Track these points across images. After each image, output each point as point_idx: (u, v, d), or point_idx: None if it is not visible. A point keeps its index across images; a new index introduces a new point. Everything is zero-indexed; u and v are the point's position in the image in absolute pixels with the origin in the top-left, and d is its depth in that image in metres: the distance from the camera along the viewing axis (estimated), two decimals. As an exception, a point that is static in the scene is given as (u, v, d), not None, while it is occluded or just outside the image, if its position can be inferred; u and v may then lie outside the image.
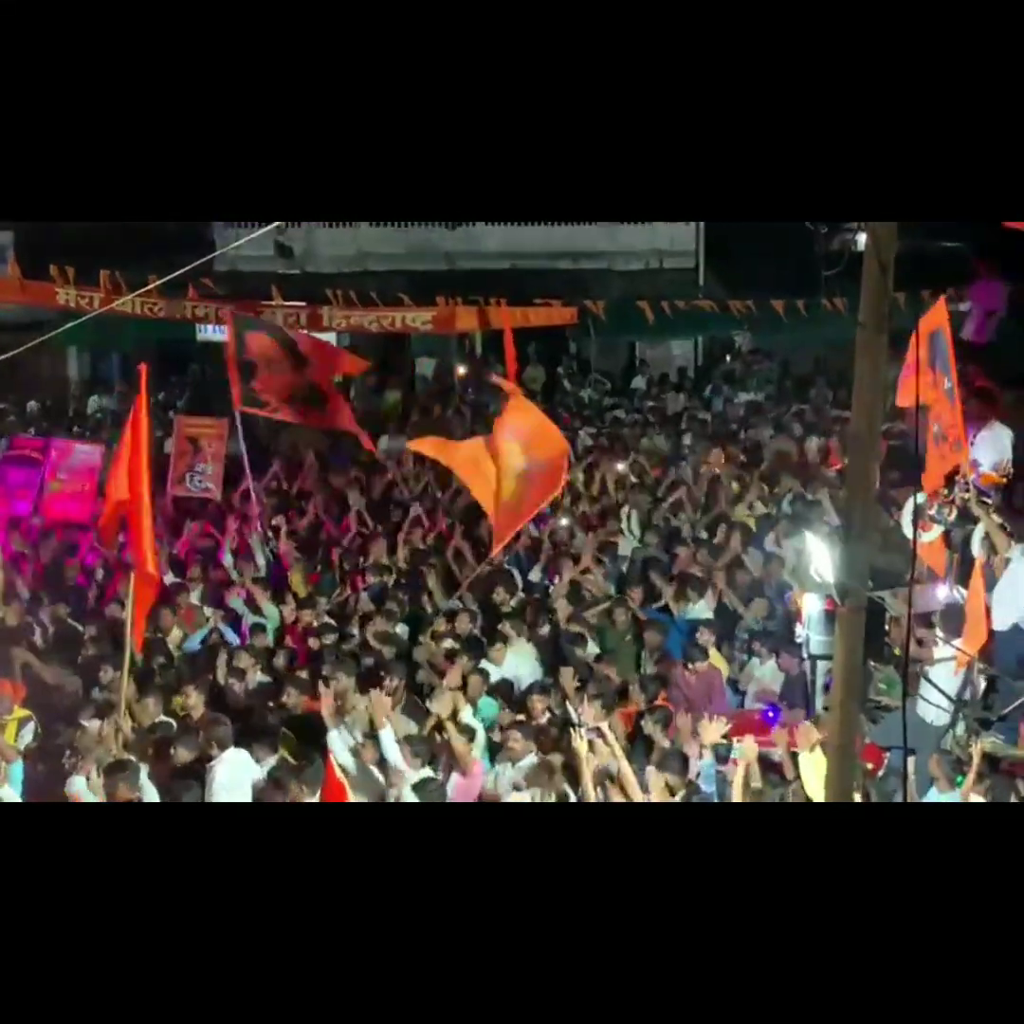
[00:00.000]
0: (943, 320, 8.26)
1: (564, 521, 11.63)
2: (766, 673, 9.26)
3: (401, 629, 9.66)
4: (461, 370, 21.04)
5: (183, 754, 7.28)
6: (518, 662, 9.04)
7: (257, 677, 8.82)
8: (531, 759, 7.26)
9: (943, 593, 8.98)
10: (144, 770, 6.98)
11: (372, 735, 7.38)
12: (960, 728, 8.16)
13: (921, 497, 8.77)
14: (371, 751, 7.33)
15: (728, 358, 22.16)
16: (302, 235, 22.00)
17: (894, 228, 4.60)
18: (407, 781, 6.91)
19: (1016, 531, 8.41)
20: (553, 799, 6.77)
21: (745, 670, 9.51)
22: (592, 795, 6.54)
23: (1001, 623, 8.13)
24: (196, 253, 11.15)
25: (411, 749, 7.23)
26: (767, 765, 7.44)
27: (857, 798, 6.83)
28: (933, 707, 8.09)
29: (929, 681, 8.12)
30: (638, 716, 8.20)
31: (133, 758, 7.16)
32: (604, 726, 7.52)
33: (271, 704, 8.39)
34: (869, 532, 4.89)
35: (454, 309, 17.50)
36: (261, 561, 11.15)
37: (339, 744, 7.38)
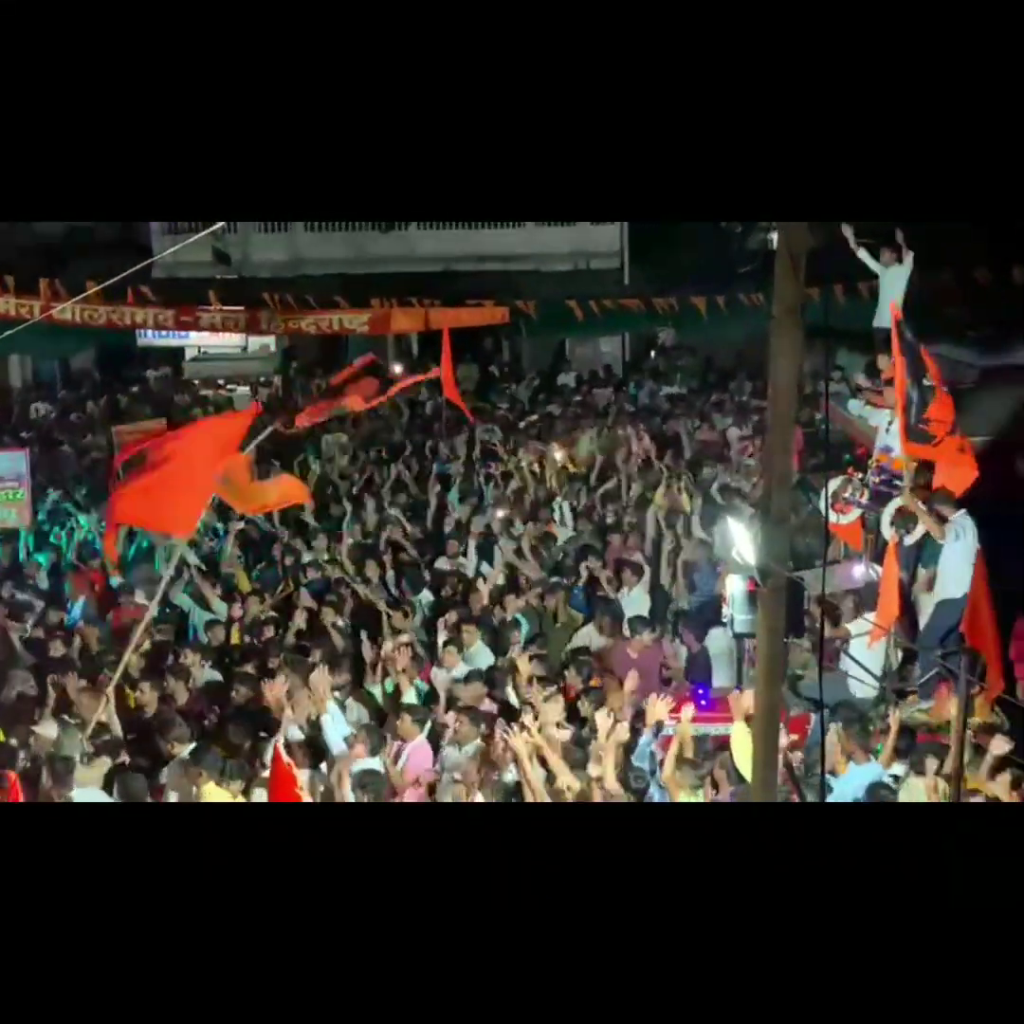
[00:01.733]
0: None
1: (501, 513, 11.64)
2: (700, 654, 9.33)
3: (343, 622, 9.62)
4: (397, 369, 20.94)
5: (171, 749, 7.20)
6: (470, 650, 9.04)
7: (206, 673, 8.73)
8: (477, 743, 7.28)
9: (860, 571, 9.15)
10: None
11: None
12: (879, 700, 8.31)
13: (836, 482, 8.92)
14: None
15: (653, 353, 22.34)
16: (239, 241, 21.74)
17: (804, 226, 4.66)
18: (352, 768, 6.87)
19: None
20: (498, 781, 6.77)
21: (677, 651, 9.58)
22: (531, 772, 6.53)
23: (941, 597, 8.32)
24: (134, 260, 10.98)
25: (363, 737, 7.21)
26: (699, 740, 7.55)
27: (780, 767, 6.96)
28: (856, 681, 8.24)
29: (849, 656, 8.25)
30: (576, 696, 8.23)
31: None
32: (548, 708, 7.56)
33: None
34: (786, 516, 4.96)
35: (389, 311, 17.47)
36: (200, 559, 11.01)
37: (332, 729, 7.37)
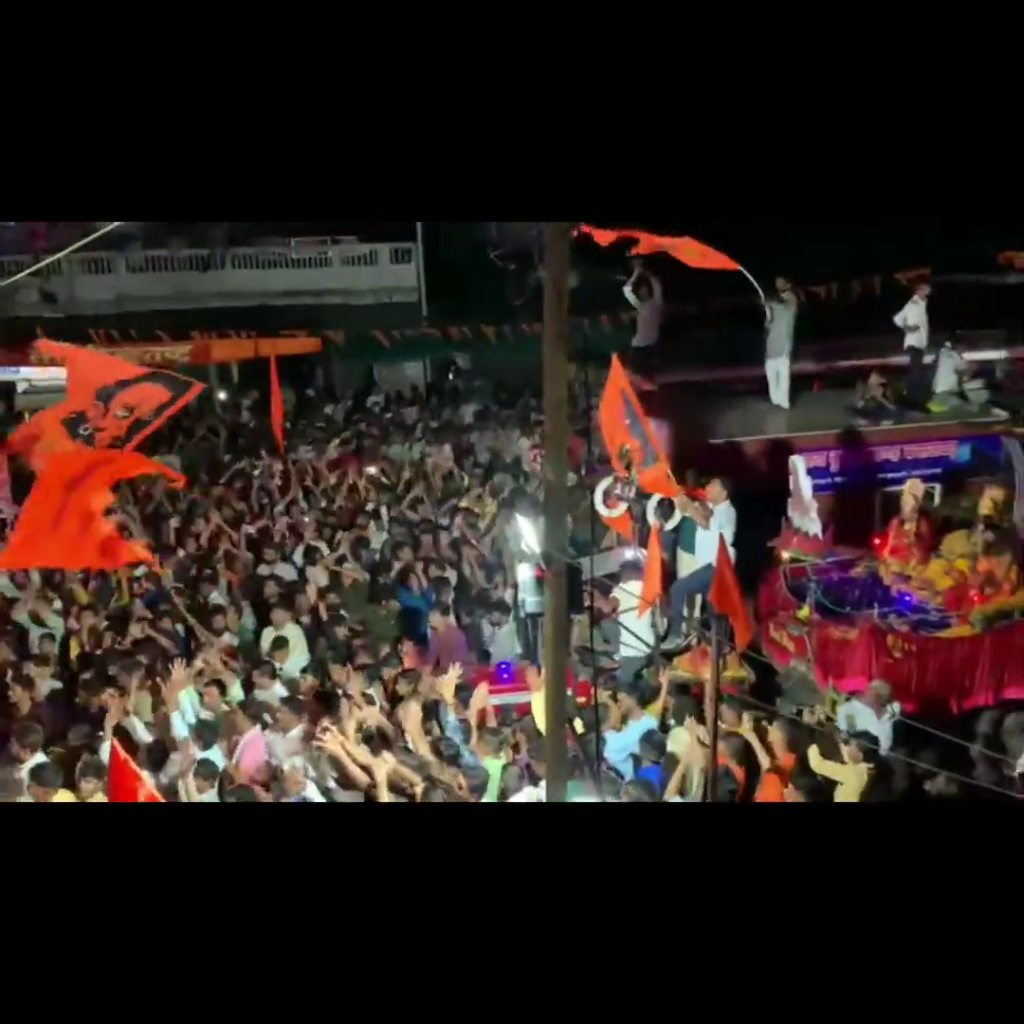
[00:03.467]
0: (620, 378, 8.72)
1: (306, 518, 11.64)
2: (503, 635, 9.50)
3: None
4: (221, 396, 20.41)
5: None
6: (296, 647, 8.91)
7: (49, 684, 8.28)
8: (300, 728, 7.19)
9: (630, 555, 9.53)
10: None
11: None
12: (648, 662, 8.68)
13: (606, 481, 9.25)
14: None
15: (451, 376, 22.54)
16: (64, 281, 20.73)
17: (566, 263, 4.82)
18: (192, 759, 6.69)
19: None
20: (324, 762, 6.71)
21: (488, 634, 9.71)
22: (359, 753, 6.53)
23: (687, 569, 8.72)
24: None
25: (199, 732, 7.02)
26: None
27: (577, 725, 7.18)
28: (629, 646, 8.59)
29: (622, 626, 8.59)
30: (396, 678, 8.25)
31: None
32: (370, 692, 7.55)
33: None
34: (563, 511, 5.12)
35: (209, 343, 17.02)
36: (37, 577, 10.40)
37: (181, 726, 7.10)
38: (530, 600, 6.66)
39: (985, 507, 9.38)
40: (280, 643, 8.67)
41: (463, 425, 17.36)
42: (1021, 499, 9.79)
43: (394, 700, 7.87)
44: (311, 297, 22.59)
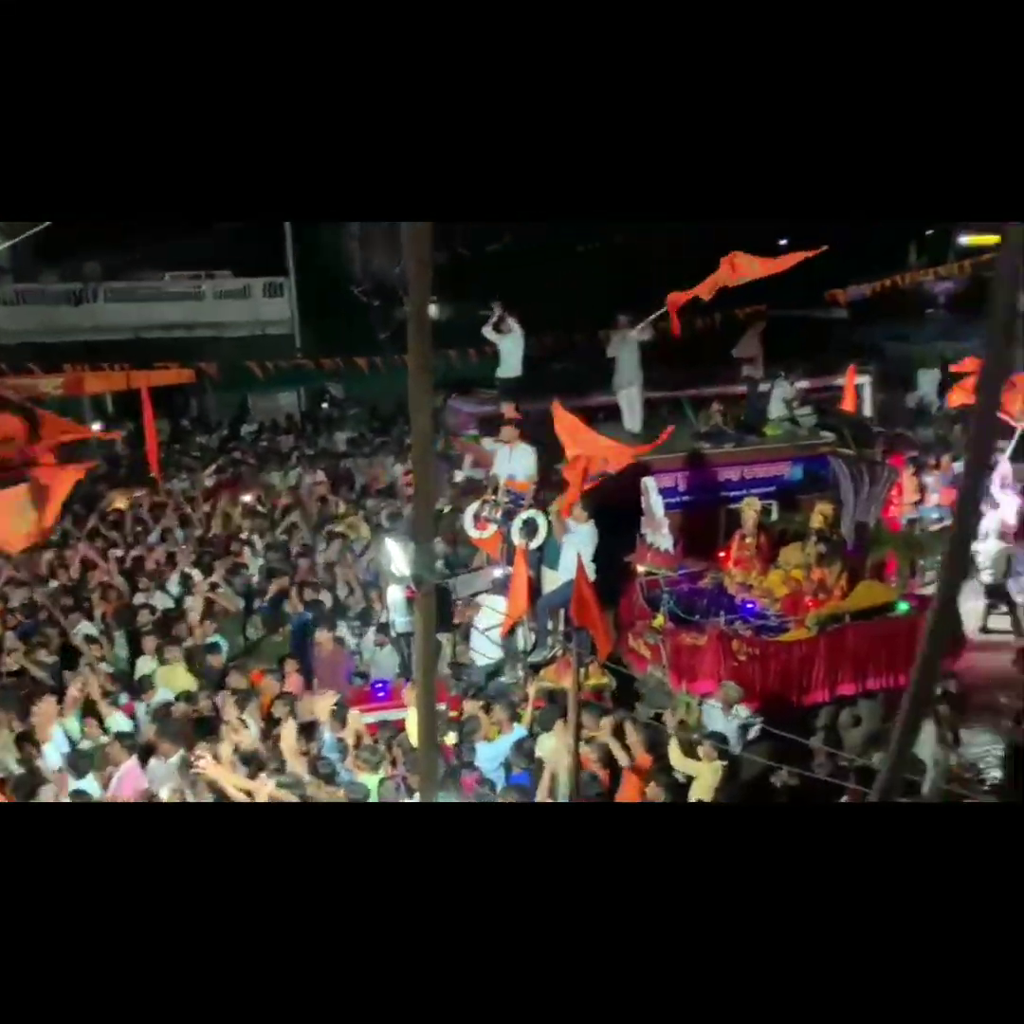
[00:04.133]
0: None
1: (182, 547, 11.28)
2: (383, 656, 9.36)
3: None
4: (95, 427, 19.58)
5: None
6: (172, 675, 8.56)
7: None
8: (178, 756, 6.93)
9: (499, 573, 9.58)
10: None
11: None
12: (518, 674, 8.73)
13: (475, 504, 9.29)
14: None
15: (325, 404, 22.26)
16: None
17: (428, 298, 4.83)
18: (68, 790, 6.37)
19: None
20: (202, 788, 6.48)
21: (367, 655, 9.56)
22: (236, 777, 6.33)
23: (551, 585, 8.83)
24: None
25: (73, 762, 6.70)
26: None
27: (449, 739, 7.15)
28: (484, 657, 8.65)
29: (492, 641, 8.63)
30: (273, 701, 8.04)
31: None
32: (244, 717, 7.34)
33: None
34: (432, 533, 5.10)
35: (82, 375, 16.33)
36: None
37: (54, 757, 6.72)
38: (400, 620, 6.65)
39: (816, 521, 9.83)
40: (147, 679, 8.35)
41: (337, 452, 17.15)
42: (847, 513, 10.30)
43: (272, 722, 7.68)
44: (184, 330, 22.09)
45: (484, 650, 8.42)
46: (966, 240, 38.63)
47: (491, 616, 8.42)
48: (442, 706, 7.86)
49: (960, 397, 13.05)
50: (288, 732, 6.77)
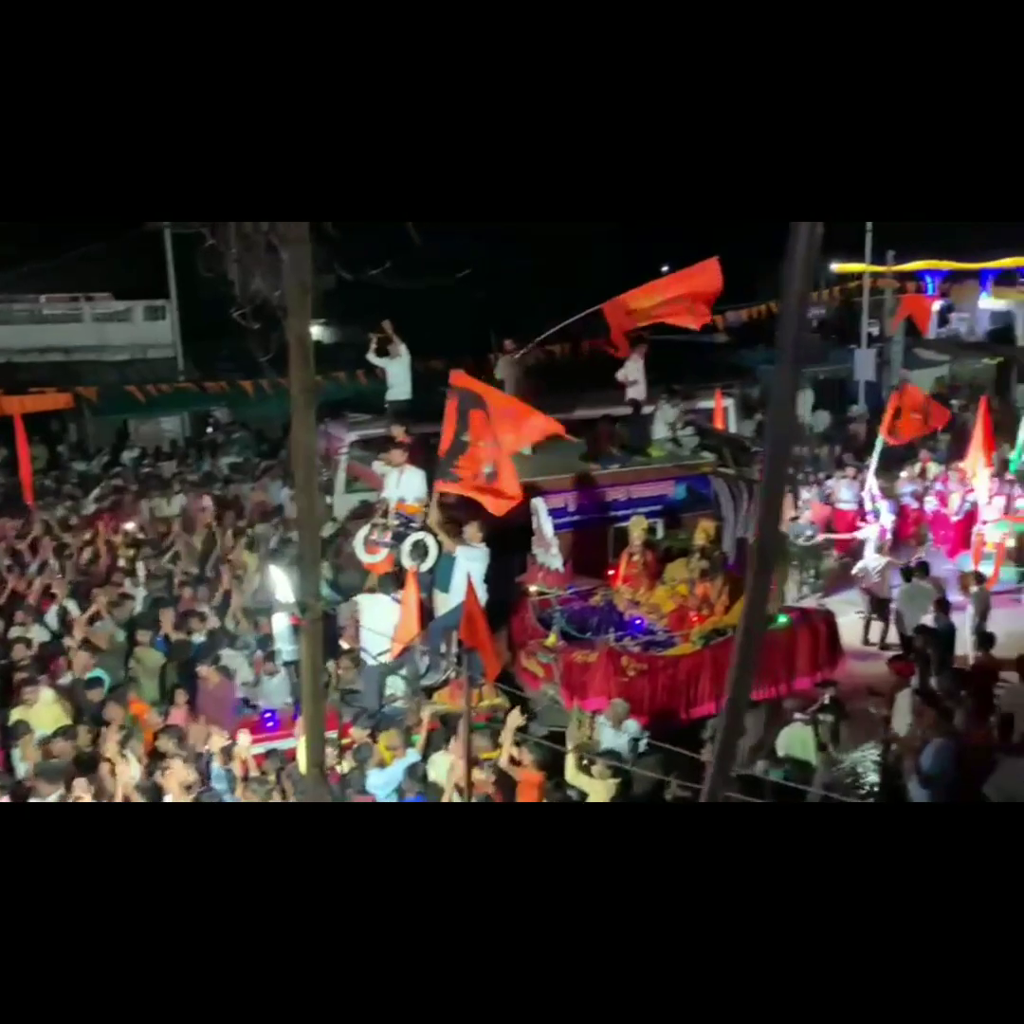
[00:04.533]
0: None
1: (59, 578, 10.75)
2: (273, 685, 9.08)
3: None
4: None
5: None
6: (43, 711, 8.11)
7: None
8: (57, 795, 6.57)
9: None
10: None
11: None
12: (411, 699, 8.61)
13: (365, 528, 9.16)
14: None
15: (210, 429, 21.67)
16: None
17: (309, 320, 4.74)
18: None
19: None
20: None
21: (260, 683, 9.25)
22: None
23: (450, 605, 8.74)
24: None
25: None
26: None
27: (342, 768, 6.98)
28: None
29: (386, 666, 8.49)
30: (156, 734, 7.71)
31: None
32: (124, 751, 7.02)
33: None
34: (317, 559, 4.99)
35: (-49, 400, 15.47)
36: None
37: None
38: (286, 649, 6.44)
39: (699, 538, 10.06)
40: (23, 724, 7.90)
41: (223, 477, 16.68)
42: (728, 529, 10.58)
43: (157, 757, 7.36)
44: (62, 354, 21.23)
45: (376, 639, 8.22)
46: (836, 268, 40.50)
47: (380, 641, 8.29)
48: (333, 734, 7.69)
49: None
50: (176, 768, 6.49)
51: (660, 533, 11.06)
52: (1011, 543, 13.13)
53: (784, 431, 1.39)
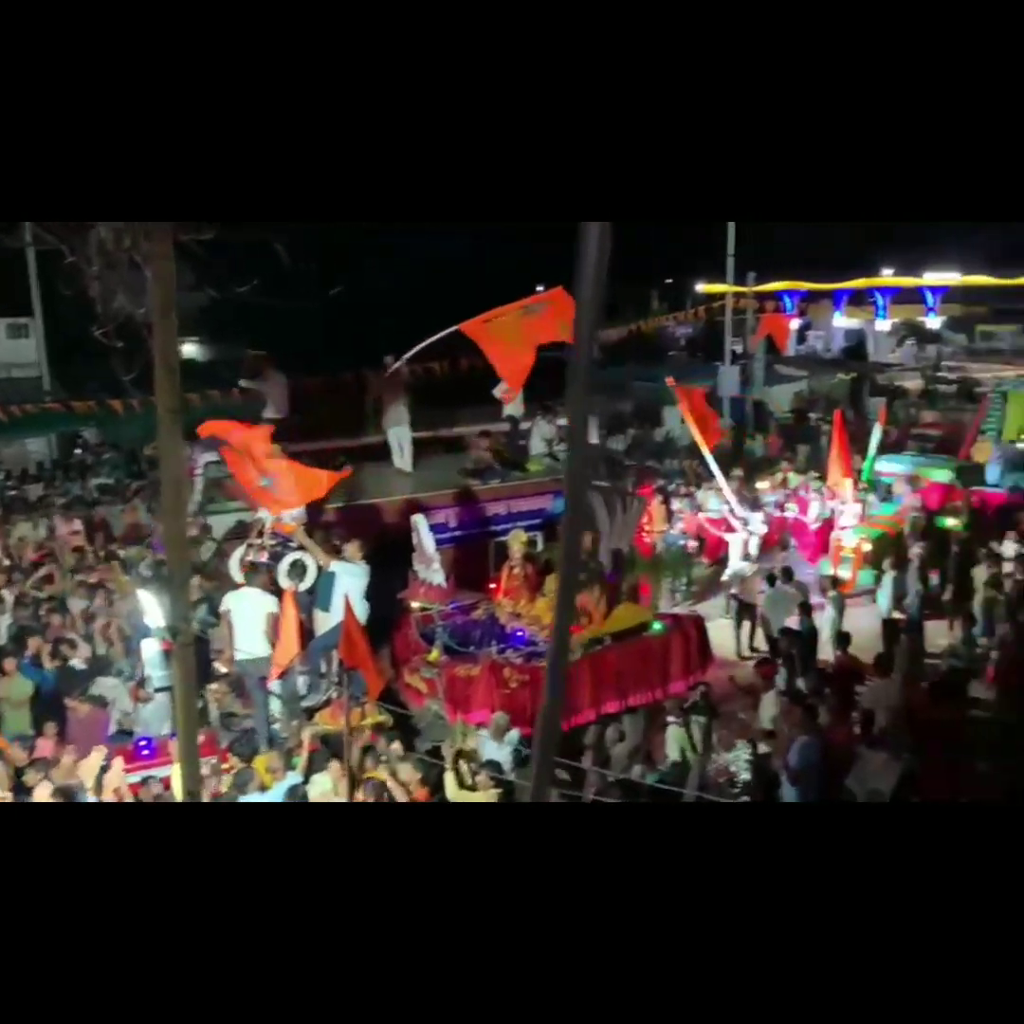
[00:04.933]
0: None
1: None
2: (148, 712, 8.72)
3: None
4: None
5: None
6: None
7: None
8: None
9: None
10: None
11: None
12: (289, 720, 8.41)
13: (241, 548, 8.93)
14: None
15: (79, 450, 20.74)
16: None
17: (175, 338, 4.60)
18: None
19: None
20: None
21: (134, 713, 8.85)
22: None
23: (330, 624, 8.57)
24: None
25: None
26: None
27: (216, 790, 6.75)
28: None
29: (267, 690, 8.27)
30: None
31: None
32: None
33: None
34: (187, 582, 4.82)
35: None
36: None
37: None
38: (157, 675, 6.19)
39: (577, 550, 10.15)
40: None
41: (92, 499, 15.98)
42: (604, 541, 10.76)
43: (24, 791, 6.96)
44: (-84, 373, 20.01)
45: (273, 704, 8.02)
46: (701, 288, 41.94)
47: (254, 638, 8.04)
48: (213, 759, 7.45)
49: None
50: (39, 792, 6.14)
51: (540, 546, 11.17)
52: (867, 547, 13.80)
53: (582, 429, 1.40)
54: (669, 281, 46.76)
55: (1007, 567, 12.16)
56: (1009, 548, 12.60)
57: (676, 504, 14.94)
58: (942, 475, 15.92)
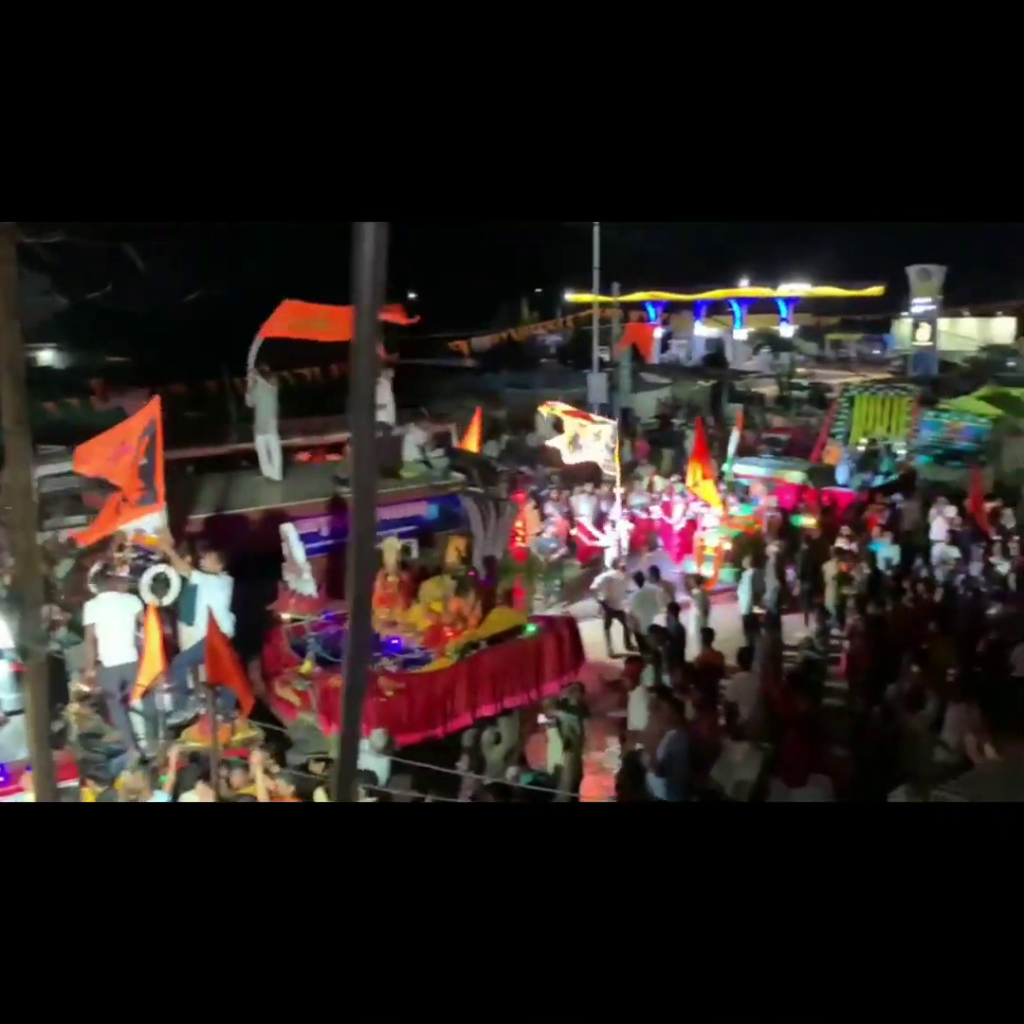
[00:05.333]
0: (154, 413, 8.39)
1: None
2: (5, 738, 8.17)
3: None
4: None
5: None
6: None
7: None
8: None
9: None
10: None
11: None
12: (153, 738, 8.07)
13: (98, 564, 8.52)
14: None
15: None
16: None
17: (19, 351, 4.36)
18: None
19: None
20: None
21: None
22: None
23: (195, 639, 8.23)
24: None
25: None
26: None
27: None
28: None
29: (131, 709, 7.91)
30: None
31: None
32: None
33: None
34: (38, 602, 4.56)
35: None
36: None
37: None
38: (8, 698, 5.83)
39: (451, 556, 10.15)
40: None
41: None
42: (478, 546, 10.78)
43: None
44: None
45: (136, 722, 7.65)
46: (570, 297, 42.68)
47: (118, 644, 7.67)
48: (73, 783, 7.06)
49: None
50: None
51: (415, 553, 11.08)
52: (728, 546, 14.30)
53: (368, 438, 1.36)
54: (539, 290, 47.39)
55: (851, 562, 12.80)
56: (848, 543, 13.28)
57: (549, 508, 15.12)
58: (796, 476, 16.67)
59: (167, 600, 8.49)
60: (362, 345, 1.22)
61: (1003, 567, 12.67)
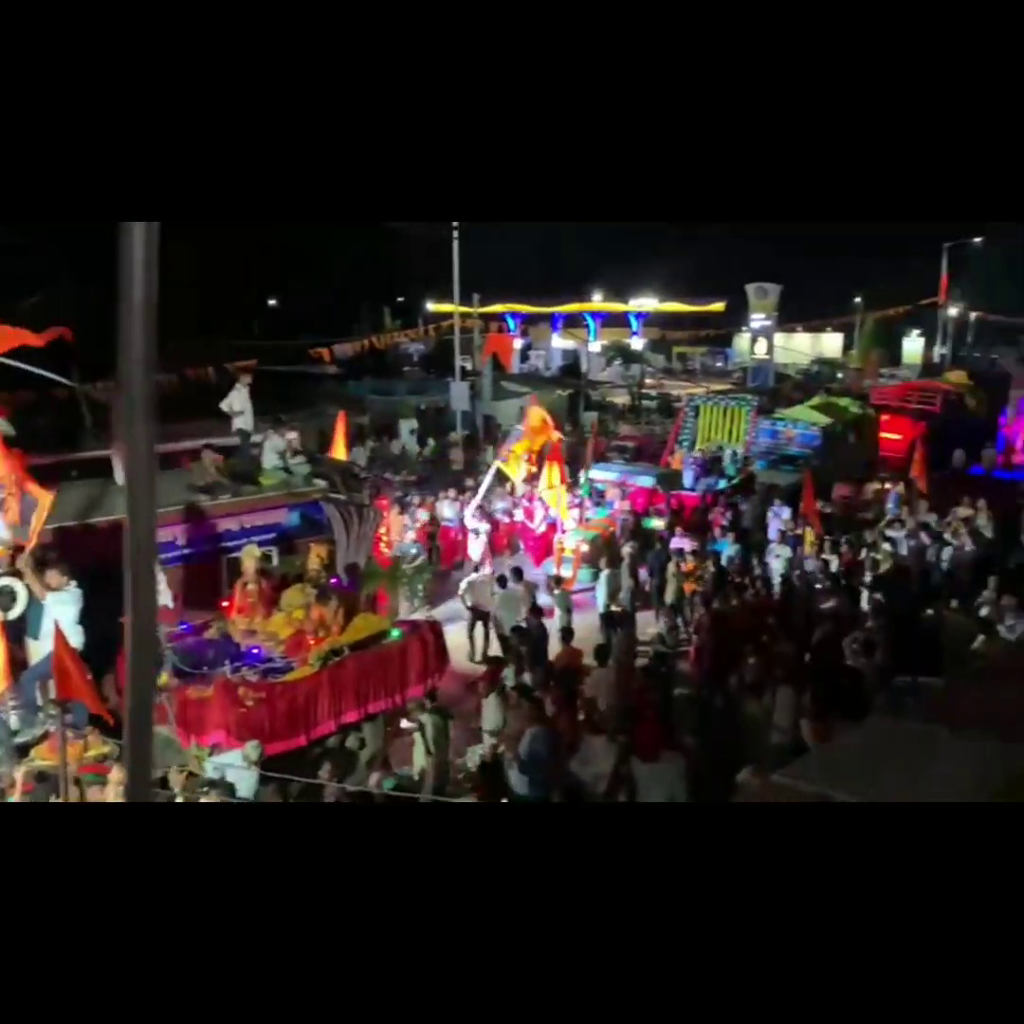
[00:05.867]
0: None
1: None
2: None
3: None
4: None
5: None
6: None
7: None
8: None
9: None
10: None
11: None
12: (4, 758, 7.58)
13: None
14: None
15: None
16: None
17: None
18: None
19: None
20: None
21: None
22: None
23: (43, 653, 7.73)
24: None
25: None
26: None
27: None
28: None
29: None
30: None
31: None
32: None
33: None
34: None
35: None
36: None
37: None
38: None
39: (313, 563, 9.98)
40: None
41: None
42: (341, 553, 10.64)
43: None
44: None
45: None
46: (432, 307, 42.64)
47: None
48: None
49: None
50: None
51: (276, 560, 10.82)
52: (585, 548, 14.62)
53: (145, 445, 1.36)
54: (401, 299, 47.17)
55: (692, 561, 13.31)
56: (685, 543, 13.84)
57: (419, 513, 15.07)
58: (646, 481, 17.23)
59: (13, 614, 7.98)
60: (132, 351, 1.19)
61: (834, 564, 13.43)
